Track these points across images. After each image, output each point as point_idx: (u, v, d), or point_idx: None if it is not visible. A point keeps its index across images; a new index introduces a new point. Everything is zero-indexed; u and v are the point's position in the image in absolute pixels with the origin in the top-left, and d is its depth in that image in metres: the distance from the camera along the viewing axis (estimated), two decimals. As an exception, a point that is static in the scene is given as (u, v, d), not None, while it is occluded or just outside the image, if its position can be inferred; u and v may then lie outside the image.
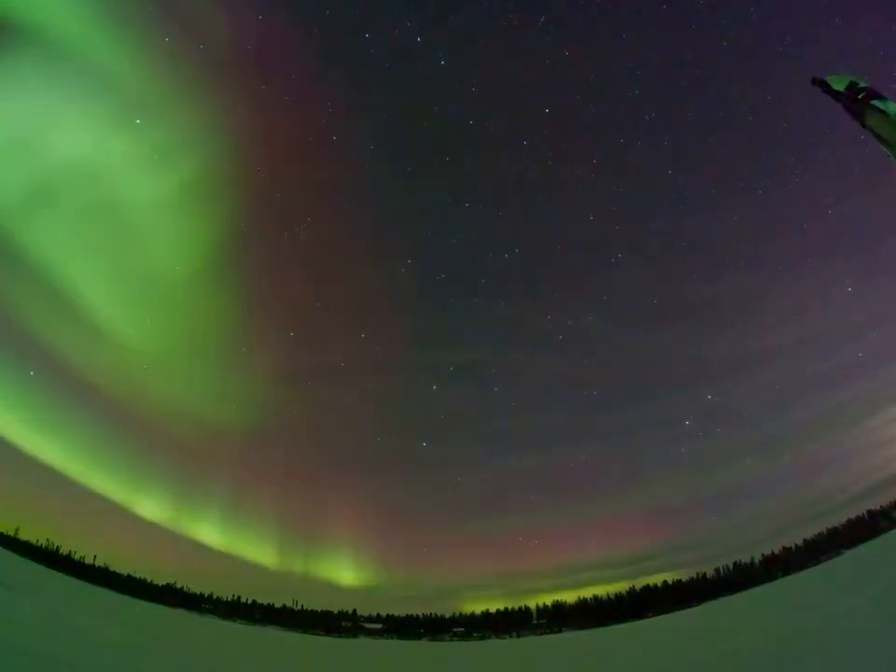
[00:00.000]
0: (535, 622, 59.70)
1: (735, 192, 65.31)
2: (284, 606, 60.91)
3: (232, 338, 73.15)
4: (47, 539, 54.57)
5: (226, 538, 69.55)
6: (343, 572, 70.99)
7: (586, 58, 64.95)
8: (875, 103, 3.12)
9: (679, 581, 56.95)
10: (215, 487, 70.23)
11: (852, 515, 50.69)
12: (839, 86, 3.36)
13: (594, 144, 67.94)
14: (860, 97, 3.22)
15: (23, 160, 56.69)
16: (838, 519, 51.58)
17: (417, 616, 61.78)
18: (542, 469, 78.70)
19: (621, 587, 60.34)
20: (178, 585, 59.51)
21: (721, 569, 56.16)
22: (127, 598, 42.48)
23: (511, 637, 55.49)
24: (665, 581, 57.79)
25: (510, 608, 61.94)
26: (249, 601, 60.99)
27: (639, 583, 59.90)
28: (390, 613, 62.05)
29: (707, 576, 56.28)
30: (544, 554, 73.71)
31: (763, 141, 60.50)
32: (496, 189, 72.47)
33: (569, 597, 61.20)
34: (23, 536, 52.37)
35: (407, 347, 77.51)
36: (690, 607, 45.53)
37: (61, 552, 54.20)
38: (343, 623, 59.84)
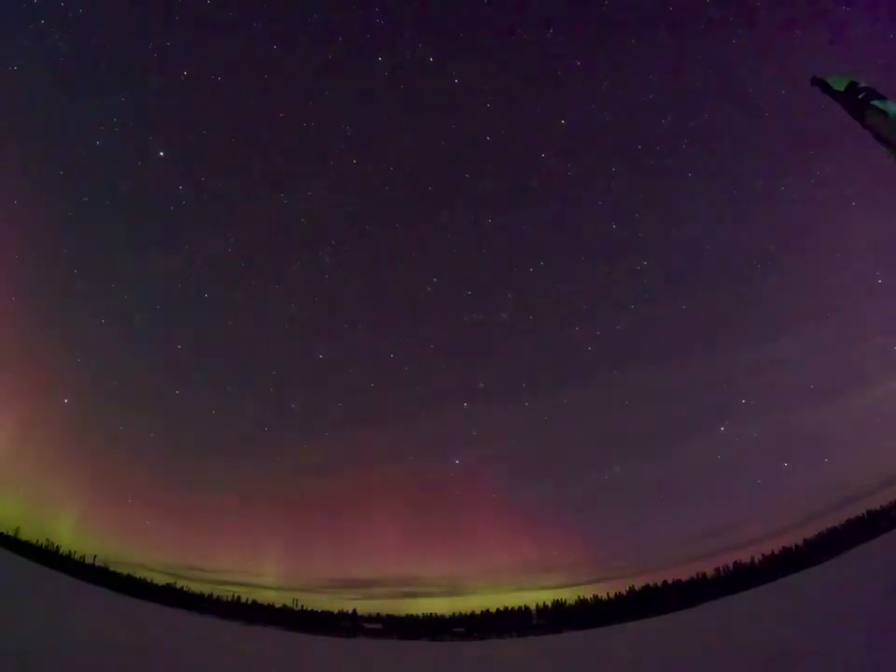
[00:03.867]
0: (535, 622, 59.72)
1: (755, 191, 64.79)
2: (284, 606, 60.99)
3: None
4: (47, 539, 54.67)
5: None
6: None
7: (598, 66, 64.95)
8: (876, 103, 3.12)
9: (679, 580, 56.98)
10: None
11: (852, 515, 50.74)
12: (839, 86, 3.36)
13: (612, 152, 67.70)
14: (860, 97, 3.22)
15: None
16: (838, 519, 51.59)
17: (417, 616, 61.85)
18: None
19: (621, 587, 60.42)
20: (178, 585, 59.63)
21: (721, 569, 56.21)
22: (127, 598, 42.48)
23: (511, 636, 55.51)
24: (665, 581, 57.83)
25: (510, 607, 62.03)
26: (249, 601, 61.07)
27: (639, 583, 59.98)
28: (390, 613, 62.17)
29: (707, 576, 56.33)
30: (544, 552, 73.58)
31: (781, 137, 60.15)
32: (517, 204, 72.77)
33: (569, 597, 61.30)
34: (23, 536, 52.48)
35: (432, 365, 77.50)
36: (690, 607, 45.51)
37: (61, 552, 54.28)
38: (343, 623, 59.89)
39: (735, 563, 56.00)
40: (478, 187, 74.64)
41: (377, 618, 61.65)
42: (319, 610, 61.25)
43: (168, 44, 55.24)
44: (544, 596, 61.83)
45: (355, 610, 61.91)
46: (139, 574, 57.86)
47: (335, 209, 72.27)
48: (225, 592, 60.85)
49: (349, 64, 63.75)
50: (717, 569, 56.10)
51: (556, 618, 58.41)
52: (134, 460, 67.77)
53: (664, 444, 71.71)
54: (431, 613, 61.84)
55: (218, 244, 69.08)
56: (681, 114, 65.17)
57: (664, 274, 72.77)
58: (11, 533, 51.25)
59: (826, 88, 3.46)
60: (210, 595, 59.95)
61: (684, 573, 57.51)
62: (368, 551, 73.15)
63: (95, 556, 56.17)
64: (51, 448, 63.71)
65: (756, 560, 54.88)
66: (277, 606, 60.61)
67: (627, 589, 59.36)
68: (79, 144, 60.21)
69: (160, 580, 58.47)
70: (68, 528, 60.77)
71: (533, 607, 61.15)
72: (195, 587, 60.17)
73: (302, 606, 61.18)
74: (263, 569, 66.81)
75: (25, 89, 55.49)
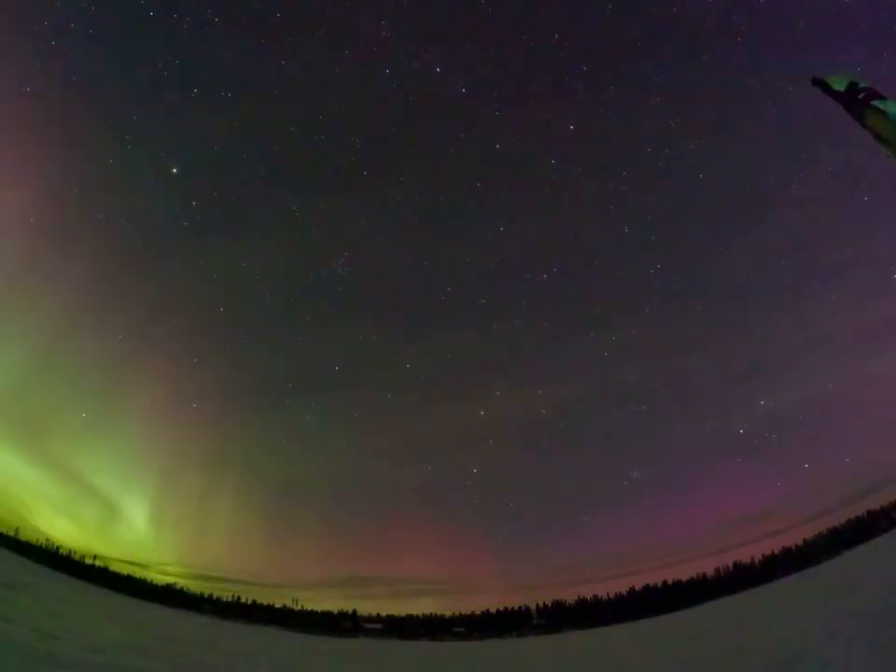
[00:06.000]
0: (535, 622, 59.71)
1: (769, 190, 64.46)
2: (284, 606, 61.02)
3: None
4: (46, 539, 54.75)
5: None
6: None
7: (604, 70, 65.31)
8: (876, 103, 3.11)
9: (679, 580, 57.00)
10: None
11: (852, 515, 50.79)
12: (839, 86, 3.36)
13: (621, 155, 67.77)
14: (860, 97, 3.22)
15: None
16: (838, 519, 51.68)
17: (417, 616, 61.86)
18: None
19: (621, 587, 60.44)
20: (178, 585, 59.69)
21: (721, 569, 56.23)
22: (127, 598, 42.45)
23: (511, 636, 55.50)
24: (665, 581, 57.85)
25: (510, 607, 62.02)
26: (249, 601, 61.08)
27: (639, 583, 59.99)
28: (390, 613, 62.20)
29: (707, 576, 56.34)
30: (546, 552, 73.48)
31: (791, 134, 59.84)
32: (529, 211, 72.54)
33: (569, 597, 61.31)
34: (23, 536, 52.52)
35: (448, 373, 77.49)
36: (690, 607, 45.50)
37: (61, 552, 54.31)
38: (343, 623, 59.87)
39: (734, 563, 56.17)
40: (489, 195, 74.69)
41: (377, 618, 61.71)
42: (319, 610, 61.39)
43: (177, 62, 55.60)
44: (544, 596, 62.03)
45: (355, 611, 62.04)
46: (139, 574, 58.15)
47: (348, 221, 72.56)
48: (225, 592, 61.00)
49: (357, 77, 63.90)
50: (717, 569, 56.29)
51: (556, 618, 58.49)
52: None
53: (683, 448, 71.49)
54: (431, 613, 62.02)
55: (231, 257, 69.45)
56: (689, 115, 64.76)
57: (677, 277, 72.52)
58: (11, 533, 51.31)
59: (826, 88, 3.46)
60: (210, 596, 60.09)
61: (684, 573, 57.74)
62: (384, 553, 73.47)
63: (95, 556, 56.32)
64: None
65: (756, 560, 54.98)
66: (277, 606, 60.73)
67: (627, 589, 59.55)
68: (93, 162, 60.65)
69: (159, 580, 58.73)
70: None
71: (533, 607, 61.27)
72: (195, 587, 60.40)
73: (302, 606, 61.34)
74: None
75: (38, 109, 55.87)
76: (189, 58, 58.15)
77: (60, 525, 60.95)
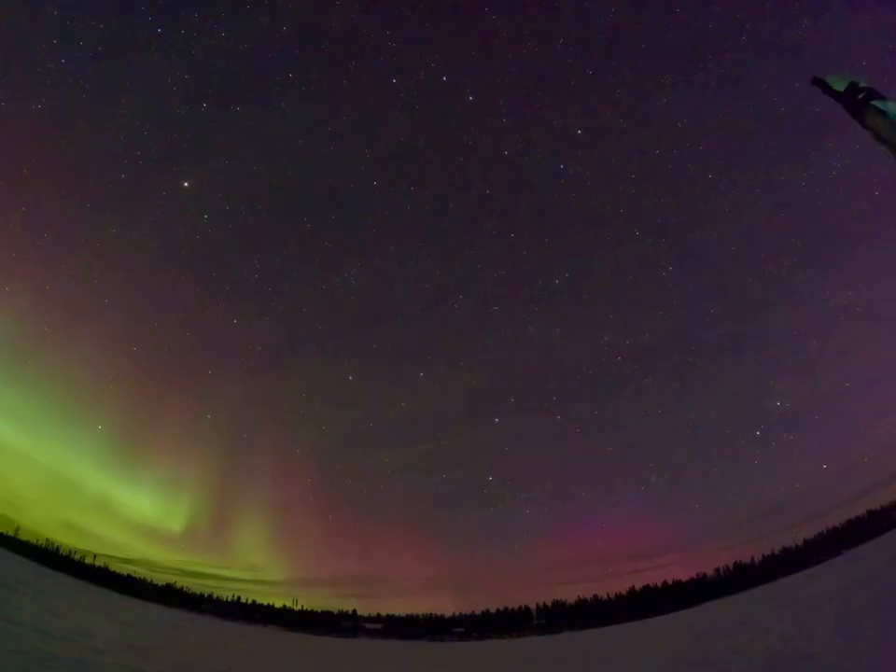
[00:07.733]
0: (535, 622, 59.70)
1: (778, 187, 64.11)
2: (284, 606, 61.08)
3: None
4: (47, 540, 54.76)
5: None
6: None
7: (610, 73, 65.13)
8: (876, 103, 3.11)
9: (679, 580, 57.01)
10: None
11: (852, 515, 50.80)
12: (839, 86, 3.36)
13: (629, 159, 67.59)
14: (860, 97, 3.22)
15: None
16: (838, 519, 51.69)
17: (417, 616, 61.85)
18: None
19: (621, 587, 60.44)
20: (178, 585, 59.70)
21: (721, 569, 56.23)
22: (127, 598, 42.44)
23: (511, 636, 55.48)
24: (665, 581, 57.86)
25: (510, 607, 62.02)
26: (249, 601, 61.11)
27: (639, 583, 60.00)
28: (390, 613, 62.19)
29: (707, 576, 56.34)
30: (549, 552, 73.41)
31: (798, 132, 59.47)
32: (539, 216, 72.54)
33: (569, 597, 61.32)
34: (23, 536, 52.55)
35: (463, 383, 77.60)
36: (690, 607, 45.49)
37: (61, 552, 54.32)
38: (343, 623, 59.87)
39: (735, 563, 56.17)
40: (499, 201, 74.44)
41: (377, 618, 61.71)
42: (319, 610, 61.41)
43: (186, 77, 55.75)
44: (544, 596, 62.07)
45: (355, 611, 62.07)
46: (139, 574, 58.15)
47: (358, 230, 72.60)
48: (225, 592, 61.06)
49: (364, 87, 63.85)
50: (717, 569, 56.29)
51: (556, 618, 58.49)
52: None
53: (701, 452, 71.17)
54: (431, 613, 62.03)
55: (244, 269, 69.66)
56: (697, 115, 64.40)
57: (689, 279, 72.18)
58: (11, 533, 51.34)
59: (826, 87, 3.46)
60: (210, 595, 60.14)
61: (684, 573, 57.78)
62: (385, 553, 73.56)
63: (95, 556, 56.34)
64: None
65: (756, 560, 54.98)
66: (277, 606, 60.80)
67: (627, 589, 59.56)
68: (105, 177, 60.84)
69: (159, 580, 58.74)
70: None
71: (533, 607, 61.29)
72: (195, 587, 60.47)
73: (302, 606, 61.39)
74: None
75: (50, 125, 56.02)
76: (195, 73, 58.35)
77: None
